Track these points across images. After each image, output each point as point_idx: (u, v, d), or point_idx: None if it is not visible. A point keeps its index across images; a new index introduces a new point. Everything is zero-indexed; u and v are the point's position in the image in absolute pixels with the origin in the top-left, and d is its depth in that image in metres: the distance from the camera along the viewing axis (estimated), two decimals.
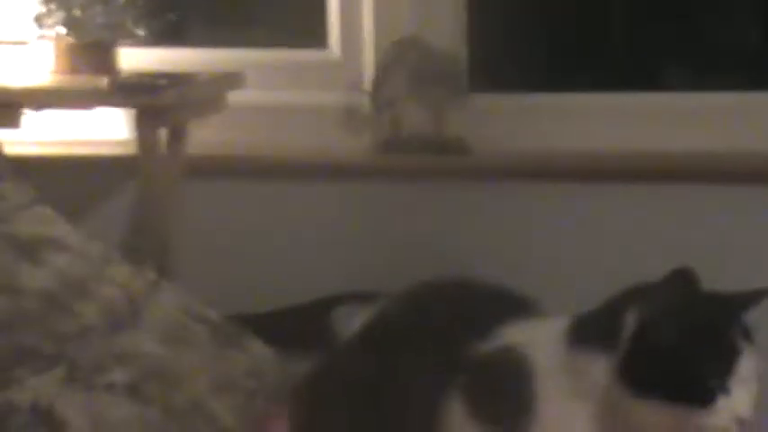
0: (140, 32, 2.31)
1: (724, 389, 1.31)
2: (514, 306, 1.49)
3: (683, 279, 1.37)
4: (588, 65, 2.64)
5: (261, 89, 2.31)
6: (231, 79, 2.28)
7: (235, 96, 2.28)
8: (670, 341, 1.34)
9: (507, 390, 1.40)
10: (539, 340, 1.41)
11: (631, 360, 1.34)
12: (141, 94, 2.14)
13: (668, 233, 2.17)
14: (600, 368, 1.35)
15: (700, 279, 1.38)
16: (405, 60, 2.21)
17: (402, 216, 2.24)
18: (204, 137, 2.33)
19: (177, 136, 2.24)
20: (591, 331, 1.38)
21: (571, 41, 2.66)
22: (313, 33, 2.46)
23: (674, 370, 1.33)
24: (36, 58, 2.12)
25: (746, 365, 1.33)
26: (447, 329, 1.49)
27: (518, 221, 2.17)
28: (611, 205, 2.19)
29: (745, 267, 2.10)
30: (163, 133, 2.19)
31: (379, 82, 2.21)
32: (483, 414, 1.40)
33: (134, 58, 2.37)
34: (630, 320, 1.36)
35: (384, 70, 2.21)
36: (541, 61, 2.61)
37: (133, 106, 2.14)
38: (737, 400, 1.32)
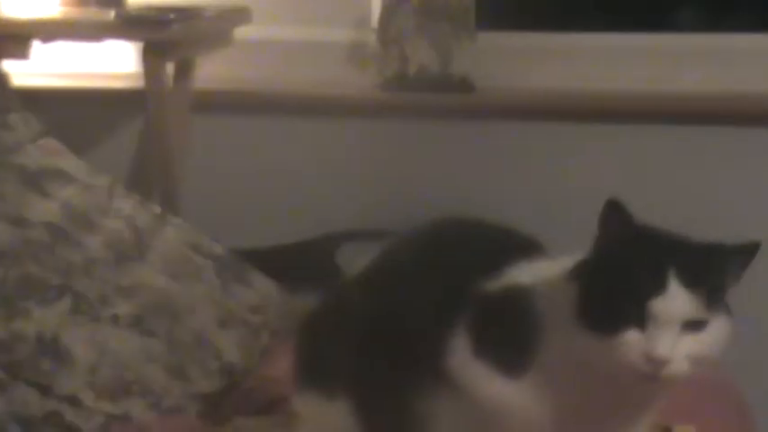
0: None
1: (635, 322, 1.26)
2: (521, 246, 1.44)
3: (616, 211, 1.31)
4: (596, 5, 2.59)
5: (268, 24, 2.28)
6: (238, 14, 2.25)
7: (242, 31, 2.25)
8: (598, 270, 1.31)
9: (512, 328, 1.35)
10: (544, 280, 1.37)
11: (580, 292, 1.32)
12: (148, 28, 2.12)
13: (671, 173, 2.16)
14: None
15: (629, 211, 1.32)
16: None
17: (407, 153, 2.22)
18: (211, 71, 2.31)
19: (184, 70, 2.21)
20: (575, 268, 1.38)
21: None
22: None
23: (594, 298, 1.29)
24: None
25: (678, 307, 1.27)
26: (453, 268, 1.44)
27: (522, 160, 2.16)
28: (615, 145, 2.18)
29: (746, 208, 2.10)
30: (170, 67, 2.16)
31: (385, 19, 2.16)
32: (488, 352, 1.35)
33: None
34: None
35: (391, 7, 2.16)
36: (549, 0, 2.58)
37: (140, 39, 2.12)
38: (655, 338, 1.26)
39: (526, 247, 1.42)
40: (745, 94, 2.19)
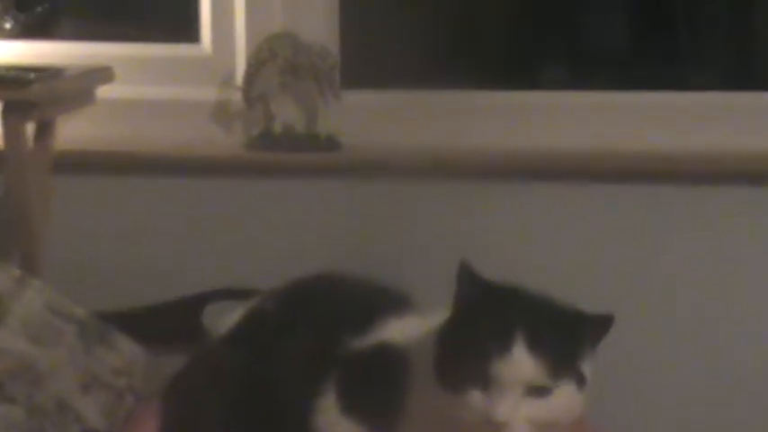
0: (8, 25, 2.27)
1: (478, 384, 1.27)
2: (390, 302, 1.49)
3: (467, 272, 1.35)
4: (460, 63, 2.69)
5: (131, 84, 2.30)
6: (100, 73, 2.26)
7: (104, 91, 2.25)
8: (452, 329, 1.33)
9: (381, 386, 1.40)
10: (411, 337, 1.41)
11: (440, 350, 1.33)
12: (7, 88, 2.10)
13: (527, 231, 2.24)
14: None
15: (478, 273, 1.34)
16: (277, 56, 2.19)
17: (275, 212, 2.24)
18: (74, 131, 2.30)
19: (45, 130, 2.21)
20: (439, 327, 1.38)
21: (443, 39, 2.69)
22: (185, 28, 2.42)
23: (455, 358, 1.31)
24: None
25: (521, 372, 1.28)
26: (322, 325, 1.49)
27: (389, 217, 2.20)
28: (480, 200, 2.24)
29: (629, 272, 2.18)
30: (30, 127, 2.15)
31: (250, 77, 2.17)
32: (356, 410, 1.40)
33: (2, 51, 2.32)
34: None
35: (256, 65, 2.18)
36: (414, 59, 2.63)
37: (0, 99, 2.12)
38: (495, 401, 1.28)
39: (395, 303, 1.46)
40: (603, 149, 2.27)
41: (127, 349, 1.94)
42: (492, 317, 1.30)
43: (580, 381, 1.29)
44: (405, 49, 2.69)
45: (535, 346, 1.26)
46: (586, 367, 1.32)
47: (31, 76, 2.04)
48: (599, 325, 1.33)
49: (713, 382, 2.24)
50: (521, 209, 2.29)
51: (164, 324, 2.12)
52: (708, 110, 2.35)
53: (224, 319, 1.63)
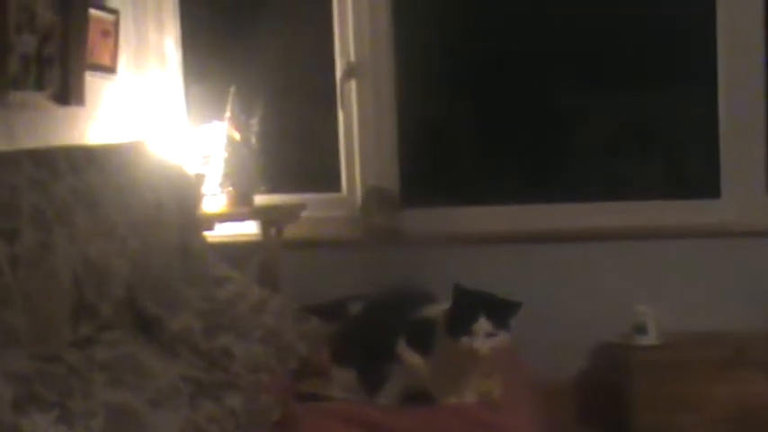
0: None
1: (468, 332, 2.26)
2: (427, 297, 2.48)
3: (460, 288, 2.31)
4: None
5: (311, 210, 3.89)
6: (299, 207, 3.70)
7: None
8: (450, 315, 2.28)
9: (424, 335, 2.37)
10: (437, 314, 2.38)
11: (449, 319, 2.27)
12: (280, 220, 3.30)
13: None
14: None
15: (467, 288, 2.32)
16: (375, 195, 3.73)
17: None
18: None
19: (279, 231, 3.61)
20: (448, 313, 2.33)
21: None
22: (334, 183, 3.87)
23: (453, 326, 2.27)
24: None
25: (483, 327, 2.26)
26: (400, 306, 2.48)
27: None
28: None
29: None
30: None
31: (363, 207, 3.63)
32: (415, 347, 2.40)
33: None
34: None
35: (365, 203, 3.63)
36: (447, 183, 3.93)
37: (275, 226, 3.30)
38: (474, 340, 2.27)
39: (430, 298, 2.47)
40: None
41: (313, 322, 2.83)
42: (469, 304, 2.26)
43: (508, 329, 2.30)
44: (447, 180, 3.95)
45: (489, 317, 2.24)
46: (511, 324, 2.32)
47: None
48: (515, 305, 2.30)
49: None
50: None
51: (329, 311, 2.94)
52: None
53: (356, 306, 2.75)
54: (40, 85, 2.80)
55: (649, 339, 3.66)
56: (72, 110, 3.04)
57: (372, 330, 2.52)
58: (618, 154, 4.00)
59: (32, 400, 1.83)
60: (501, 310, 2.31)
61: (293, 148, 3.92)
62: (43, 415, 1.81)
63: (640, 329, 3.67)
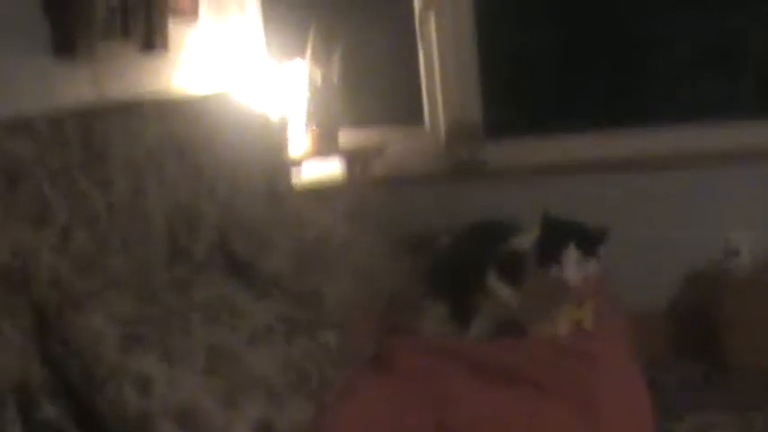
0: None
1: (557, 261, 2.37)
2: (516, 228, 2.57)
3: (548, 218, 2.42)
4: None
5: (398, 143, 3.93)
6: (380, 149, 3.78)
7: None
8: (540, 245, 2.38)
9: (515, 267, 2.47)
10: (526, 245, 2.50)
11: (538, 249, 2.38)
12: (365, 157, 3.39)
13: None
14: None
15: (555, 217, 2.40)
16: (458, 127, 3.84)
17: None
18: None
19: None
20: (537, 243, 2.44)
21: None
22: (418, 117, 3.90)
23: (542, 256, 2.39)
24: None
25: (572, 255, 2.36)
26: (488, 238, 2.58)
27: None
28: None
29: None
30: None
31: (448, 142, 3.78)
32: (504, 277, 2.49)
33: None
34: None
35: (448, 139, 3.74)
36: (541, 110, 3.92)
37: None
38: (564, 269, 2.40)
39: (517, 229, 2.57)
40: None
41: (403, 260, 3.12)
42: (557, 233, 2.38)
43: (598, 258, 2.42)
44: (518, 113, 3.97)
45: (578, 246, 2.37)
46: (601, 252, 2.42)
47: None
48: (604, 233, 2.40)
49: None
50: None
51: (422, 244, 3.02)
52: None
53: (445, 240, 2.88)
54: (125, 34, 2.84)
55: (743, 262, 3.68)
56: (157, 56, 3.08)
57: (462, 263, 2.60)
58: (706, 74, 3.95)
59: (136, 340, 1.91)
60: (590, 239, 2.39)
61: (375, 84, 3.93)
62: (147, 354, 1.89)
63: (734, 253, 3.68)
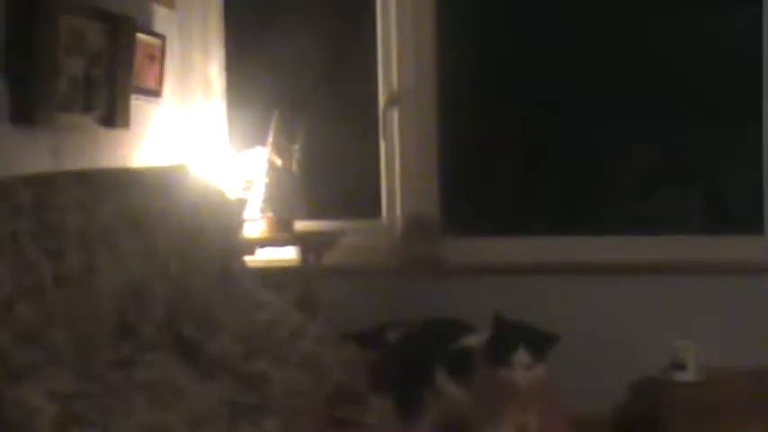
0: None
1: (506, 364, 2.28)
2: (467, 328, 2.49)
3: (499, 319, 2.35)
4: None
5: (352, 237, 3.87)
6: (338, 236, 3.73)
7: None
8: (490, 346, 2.32)
9: (464, 366, 2.38)
10: (477, 343, 2.40)
11: (488, 350, 2.31)
12: (321, 244, 3.41)
13: None
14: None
15: (506, 319, 2.33)
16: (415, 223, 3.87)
17: None
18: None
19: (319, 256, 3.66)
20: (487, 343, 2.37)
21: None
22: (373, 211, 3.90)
23: (492, 357, 2.30)
24: None
25: (521, 359, 2.28)
26: (440, 336, 2.50)
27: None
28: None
29: None
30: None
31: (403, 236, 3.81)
32: (453, 376, 2.40)
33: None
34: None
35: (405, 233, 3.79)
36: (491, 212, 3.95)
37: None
38: (513, 372, 2.29)
39: (469, 328, 2.47)
40: None
41: (349, 350, 2.88)
42: (508, 335, 2.29)
43: (545, 362, 2.30)
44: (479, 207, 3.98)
45: (528, 349, 2.27)
46: (548, 356, 2.32)
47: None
48: (554, 338, 2.32)
49: None
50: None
51: (368, 338, 2.99)
52: None
53: (395, 334, 2.82)
54: (87, 108, 2.87)
55: (688, 375, 3.68)
56: (117, 132, 3.09)
57: (411, 359, 2.55)
58: (659, 189, 4.03)
59: (74, 419, 1.86)
60: (540, 342, 2.32)
61: (334, 175, 3.99)
62: None
63: (680, 365, 3.69)
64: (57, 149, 2.72)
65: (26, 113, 2.53)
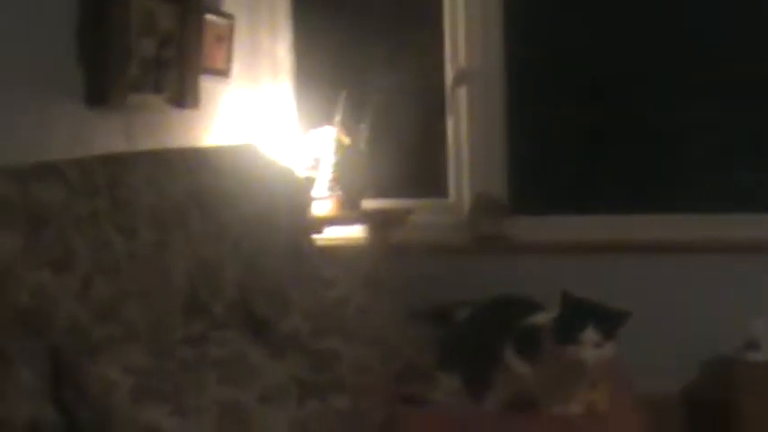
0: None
1: (575, 342, 2.31)
2: (535, 306, 2.54)
3: (568, 297, 2.37)
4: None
5: (419, 215, 3.84)
6: (407, 212, 3.79)
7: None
8: (558, 324, 2.34)
9: (532, 344, 2.44)
10: (545, 321, 2.46)
11: (556, 328, 2.34)
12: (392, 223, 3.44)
13: None
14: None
15: (575, 296, 2.35)
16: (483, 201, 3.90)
17: None
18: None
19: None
20: (556, 321, 2.40)
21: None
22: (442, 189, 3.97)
23: (560, 335, 2.33)
24: None
25: (590, 337, 2.30)
26: (508, 314, 2.55)
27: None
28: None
29: None
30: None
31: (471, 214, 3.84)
32: (521, 352, 2.46)
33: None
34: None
35: (473, 211, 3.82)
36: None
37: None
38: (581, 350, 2.32)
39: (536, 306, 2.54)
40: None
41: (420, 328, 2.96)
42: (577, 313, 2.33)
43: (615, 341, 2.33)
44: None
45: (597, 327, 2.30)
46: (618, 334, 2.35)
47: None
48: (624, 315, 2.33)
49: None
50: None
51: (438, 316, 3.07)
52: None
53: (464, 313, 2.81)
54: (157, 88, 2.89)
55: (763, 355, 3.63)
56: (187, 112, 3.12)
57: (479, 336, 2.56)
58: (735, 164, 3.98)
59: (150, 393, 1.91)
60: (609, 320, 2.33)
61: (402, 154, 4.00)
62: (158, 407, 1.89)
63: (754, 344, 3.64)
64: (129, 130, 2.77)
65: (100, 95, 2.55)
